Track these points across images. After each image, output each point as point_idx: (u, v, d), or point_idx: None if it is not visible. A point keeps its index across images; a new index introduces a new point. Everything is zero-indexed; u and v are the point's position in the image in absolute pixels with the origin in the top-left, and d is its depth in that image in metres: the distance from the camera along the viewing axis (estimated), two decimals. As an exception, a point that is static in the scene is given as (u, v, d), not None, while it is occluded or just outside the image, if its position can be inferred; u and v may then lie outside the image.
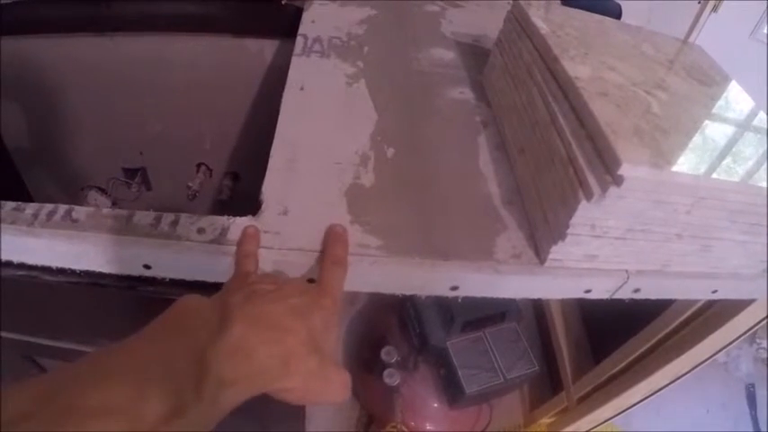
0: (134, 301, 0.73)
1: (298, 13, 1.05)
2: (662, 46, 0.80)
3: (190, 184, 1.46)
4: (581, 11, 0.85)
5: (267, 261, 0.58)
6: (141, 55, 1.28)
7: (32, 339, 0.94)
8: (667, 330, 0.93)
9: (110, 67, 1.31)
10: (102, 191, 1.56)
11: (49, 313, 0.89)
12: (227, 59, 1.25)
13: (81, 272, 0.65)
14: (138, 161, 1.52)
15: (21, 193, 1.59)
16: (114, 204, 1.57)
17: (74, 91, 1.39)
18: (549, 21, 0.74)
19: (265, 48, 1.20)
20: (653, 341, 0.96)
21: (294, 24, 1.01)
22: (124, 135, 1.45)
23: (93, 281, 0.67)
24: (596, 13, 0.86)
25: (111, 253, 0.62)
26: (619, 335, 1.04)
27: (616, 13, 1.07)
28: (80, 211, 0.64)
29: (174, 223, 0.62)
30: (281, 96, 0.80)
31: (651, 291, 0.62)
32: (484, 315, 1.17)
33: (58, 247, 0.62)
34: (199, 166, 1.50)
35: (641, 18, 1.03)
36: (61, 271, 0.66)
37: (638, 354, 1.00)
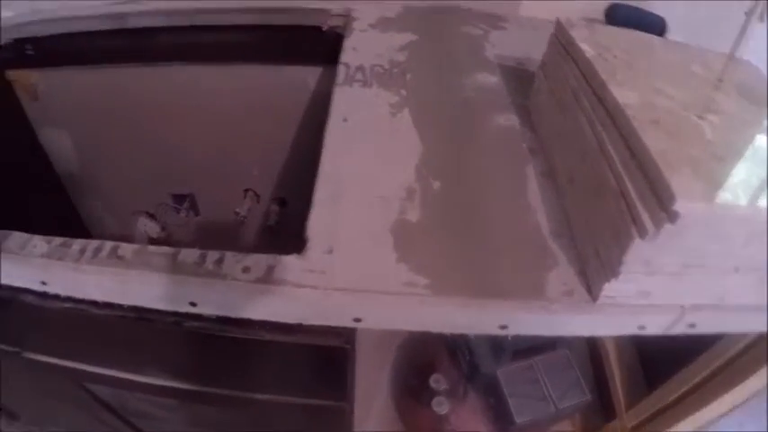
0: (180, 335, 0.73)
1: (339, 39, 1.06)
2: (710, 63, 0.76)
3: (238, 210, 1.48)
4: (626, 30, 0.82)
5: (312, 301, 0.57)
6: (186, 84, 1.31)
7: (83, 367, 0.95)
8: (722, 362, 0.89)
9: (156, 97, 1.35)
10: (152, 216, 1.59)
11: (99, 343, 0.90)
12: (270, 87, 1.27)
13: (128, 306, 0.66)
14: (186, 187, 1.54)
15: (73, 220, 1.64)
16: (163, 230, 1.60)
17: (121, 119, 1.43)
18: (595, 43, 0.71)
19: (308, 75, 1.22)
20: (707, 372, 0.92)
21: (336, 51, 1.02)
22: (172, 162, 1.48)
23: (139, 315, 0.68)
24: (640, 29, 0.83)
25: (157, 290, 0.63)
26: (673, 362, 1.00)
27: (660, 28, 1.04)
28: (126, 249, 0.65)
29: (220, 261, 0.62)
30: (324, 123, 0.81)
31: (707, 325, 0.59)
32: (535, 343, 1.14)
33: (105, 283, 0.64)
34: (246, 191, 1.52)
35: (685, 31, 1.00)
36: (108, 305, 0.67)
37: (692, 384, 0.96)
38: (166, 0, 1.25)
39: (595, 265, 0.57)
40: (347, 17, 1.10)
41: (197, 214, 1.59)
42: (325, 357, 0.70)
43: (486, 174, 0.73)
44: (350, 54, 0.96)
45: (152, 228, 1.60)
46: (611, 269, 0.53)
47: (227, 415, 1.00)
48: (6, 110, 1.43)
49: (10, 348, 0.96)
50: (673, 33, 1.04)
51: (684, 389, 0.98)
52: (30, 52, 1.33)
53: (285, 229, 1.52)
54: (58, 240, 0.68)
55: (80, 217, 1.67)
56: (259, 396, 0.84)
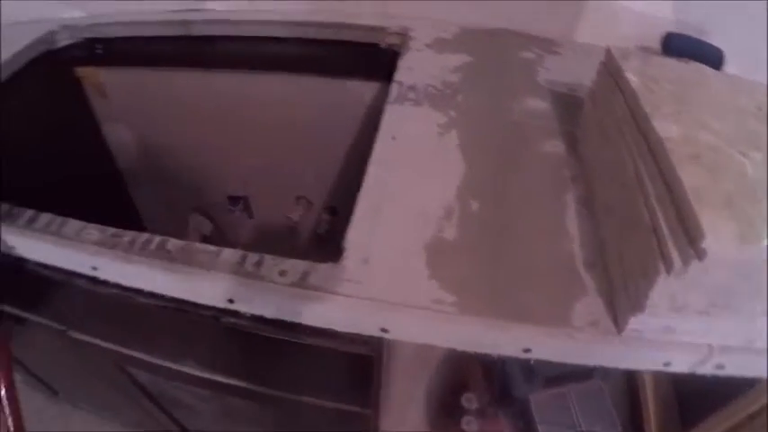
0: (218, 330, 0.76)
1: (396, 57, 1.08)
2: (763, 98, 0.75)
3: (290, 216, 1.52)
4: (679, 61, 0.82)
5: (343, 309, 0.59)
6: (246, 91, 1.37)
7: (124, 350, 1.00)
8: (757, 407, 0.87)
9: (216, 101, 1.41)
10: (206, 214, 1.65)
11: (142, 329, 0.95)
12: (328, 99, 1.31)
13: (170, 298, 0.70)
14: (241, 189, 1.60)
15: (129, 211, 1.72)
16: (216, 229, 1.66)
17: (181, 120, 1.51)
18: (643, 74, 0.71)
19: (365, 90, 1.24)
20: (743, 416, 0.90)
21: (393, 68, 1.05)
22: (230, 164, 1.55)
23: (180, 307, 0.72)
24: (696, 59, 0.82)
25: (198, 285, 0.66)
26: (709, 402, 0.98)
27: (717, 60, 1.02)
28: (173, 243, 0.69)
29: (259, 264, 0.65)
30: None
31: (736, 368, 0.58)
32: (569, 371, 1.13)
33: (151, 274, 0.68)
34: (299, 198, 1.56)
35: (744, 64, 0.98)
36: (153, 295, 0.71)
37: (727, 427, 0.93)
38: (230, 10, 1.30)
39: (623, 298, 0.57)
40: (404, 36, 1.12)
41: (250, 216, 1.64)
42: (352, 364, 0.72)
43: (525, 198, 0.73)
44: (404, 73, 0.99)
45: (205, 225, 1.66)
46: (637, 302, 0.53)
47: (257, 410, 1.03)
48: (75, 104, 1.53)
49: (57, 326, 1.03)
50: (731, 65, 1.02)
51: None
52: (99, 51, 1.43)
53: (334, 238, 1.54)
54: (111, 230, 0.73)
55: (137, 210, 1.76)
56: (288, 395, 0.87)
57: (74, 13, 1.44)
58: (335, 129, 1.36)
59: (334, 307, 0.60)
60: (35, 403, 1.83)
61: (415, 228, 0.68)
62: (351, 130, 1.35)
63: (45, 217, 0.78)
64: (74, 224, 0.76)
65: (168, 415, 1.32)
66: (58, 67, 1.44)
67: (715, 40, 1.04)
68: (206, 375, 0.92)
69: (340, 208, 1.56)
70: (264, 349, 0.78)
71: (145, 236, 0.72)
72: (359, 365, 0.72)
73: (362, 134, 1.34)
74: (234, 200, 1.61)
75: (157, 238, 0.71)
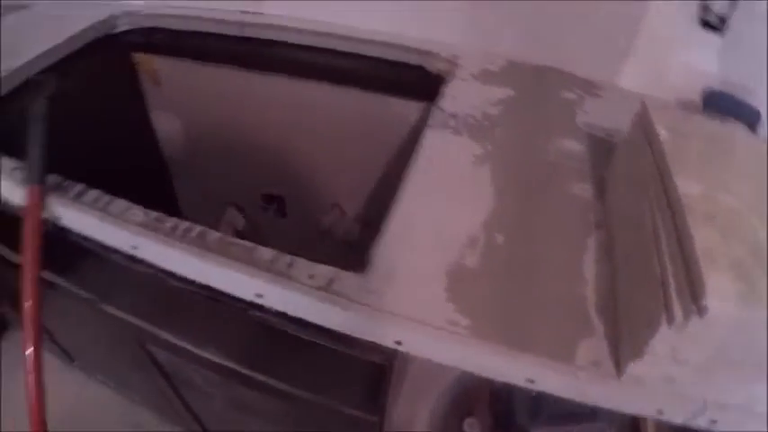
0: (242, 321, 0.80)
1: (440, 81, 1.13)
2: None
3: (322, 221, 1.56)
4: (712, 119, 0.83)
5: (362, 317, 0.63)
6: (293, 96, 1.43)
7: (149, 327, 1.05)
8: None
9: (263, 102, 1.47)
10: (241, 210, 1.71)
11: (170, 310, 1.01)
12: (371, 113, 1.36)
13: (202, 285, 0.75)
14: (278, 189, 1.65)
15: (168, 197, 1.79)
16: (248, 224, 1.71)
17: (228, 115, 1.57)
18: (674, 129, 0.73)
19: (408, 110, 1.29)
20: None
21: (434, 91, 1.09)
22: (269, 163, 1.60)
23: (210, 295, 0.76)
24: (734, 118, 0.84)
25: (231, 276, 0.72)
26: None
27: (754, 120, 1.04)
28: (213, 235, 0.75)
29: (290, 265, 0.70)
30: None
31: (730, 425, 0.60)
32: (574, 411, 1.14)
33: (188, 260, 0.74)
34: (333, 205, 1.60)
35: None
36: (185, 279, 0.77)
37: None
38: (287, 17, 1.36)
39: (626, 344, 0.60)
40: (453, 63, 1.16)
41: (283, 216, 1.69)
42: (365, 370, 0.75)
43: (548, 237, 0.77)
44: (447, 100, 1.03)
45: (239, 220, 1.72)
46: (638, 350, 0.56)
47: (265, 403, 1.07)
48: (128, 88, 1.62)
49: (88, 296, 1.08)
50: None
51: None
52: (157, 40, 1.50)
53: (362, 248, 1.58)
54: (154, 214, 0.79)
55: (175, 196, 1.83)
56: (299, 392, 0.91)
57: (135, 0, 1.51)
58: (375, 143, 1.41)
59: (355, 314, 0.64)
60: (50, 366, 1.90)
61: (439, 251, 0.72)
62: (390, 145, 1.40)
63: (93, 193, 0.85)
64: (120, 203, 0.83)
65: (179, 396, 1.37)
66: (116, 50, 1.52)
67: (756, 100, 1.06)
68: (223, 362, 0.96)
69: (371, 220, 1.60)
70: (283, 345, 0.83)
71: (186, 224, 0.77)
72: (371, 373, 0.75)
73: (401, 152, 1.38)
74: (269, 198, 1.66)
75: (198, 228, 0.76)
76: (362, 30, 1.28)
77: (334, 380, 0.87)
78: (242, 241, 0.74)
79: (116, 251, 0.83)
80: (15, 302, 1.54)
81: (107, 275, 1.03)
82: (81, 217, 0.84)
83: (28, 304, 0.90)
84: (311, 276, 0.68)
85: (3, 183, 0.93)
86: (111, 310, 1.08)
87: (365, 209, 1.56)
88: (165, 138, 1.70)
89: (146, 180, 1.68)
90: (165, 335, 1.03)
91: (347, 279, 0.67)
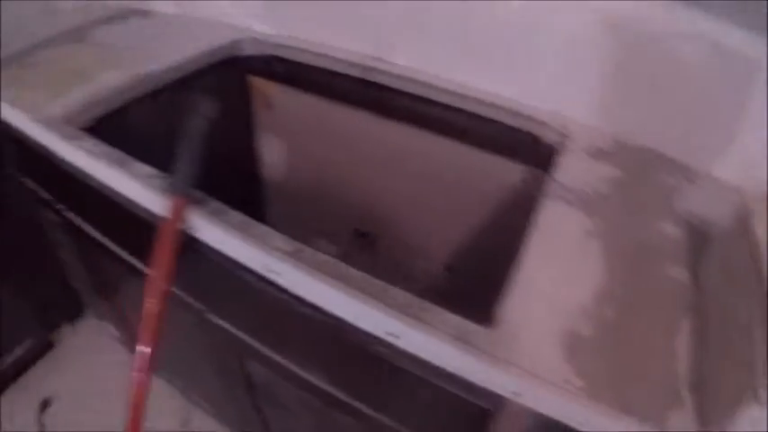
0: (363, 354, 0.88)
1: (551, 151, 1.21)
2: None
3: (408, 264, 1.65)
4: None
5: (486, 364, 0.72)
6: (398, 140, 1.53)
7: (255, 344, 1.13)
8: None
9: (370, 141, 1.58)
10: (331, 242, 1.81)
11: (284, 330, 1.08)
12: (473, 169, 1.45)
13: (330, 313, 0.85)
14: (369, 226, 1.75)
15: (258, 217, 1.90)
16: (336, 257, 1.81)
17: (333, 148, 1.69)
18: None
19: (511, 170, 1.38)
20: None
21: (544, 160, 1.18)
22: (364, 200, 1.70)
23: (336, 324, 0.86)
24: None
25: (365, 312, 0.80)
26: None
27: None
28: (350, 270, 0.87)
29: (423, 309, 0.78)
30: (514, 220, 0.99)
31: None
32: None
33: (323, 290, 0.84)
34: (422, 249, 1.69)
35: None
36: (314, 307, 0.87)
37: None
38: (410, 68, 1.46)
39: (713, 420, 0.66)
40: (563, 135, 1.24)
41: (372, 254, 1.79)
42: (471, 415, 0.82)
43: (648, 314, 0.83)
44: (562, 172, 1.11)
45: (330, 251, 1.82)
46: (724, 424, 0.63)
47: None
48: (241, 109, 1.76)
49: (196, 304, 1.18)
50: None
51: None
52: (276, 68, 1.65)
53: (447, 292, 1.66)
54: (294, 243, 0.90)
55: (265, 219, 1.94)
56: (399, 427, 0.98)
57: (263, 28, 1.68)
58: (472, 196, 1.50)
59: (481, 363, 0.72)
60: (118, 356, 2.05)
61: (555, 316, 0.80)
62: (487, 201, 1.48)
63: (233, 214, 0.97)
64: (260, 226, 0.94)
65: (258, 410, 1.45)
66: (237, 71, 1.67)
67: None
68: (328, 388, 1.04)
69: (457, 268, 1.68)
70: (395, 379, 0.90)
71: (324, 256, 0.88)
72: (475, 417, 0.82)
73: (498, 209, 1.46)
74: (360, 234, 1.75)
75: (334, 261, 0.87)
76: (476, 89, 1.37)
77: (437, 419, 0.94)
78: (377, 280, 0.83)
79: (249, 271, 0.93)
80: (106, 292, 1.68)
81: (222, 288, 1.12)
82: (220, 234, 0.94)
83: (152, 307, 0.98)
84: (443, 322, 0.76)
85: (139, 188, 1.05)
86: (217, 320, 1.17)
87: (453, 257, 1.64)
88: (267, 161, 1.83)
89: (239, 198, 1.79)
90: (271, 353, 1.11)
91: (476, 331, 0.76)
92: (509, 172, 1.38)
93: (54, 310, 2.16)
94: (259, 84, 1.71)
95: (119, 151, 1.14)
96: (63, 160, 1.26)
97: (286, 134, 1.77)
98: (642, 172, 1.17)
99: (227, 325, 1.17)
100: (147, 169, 1.09)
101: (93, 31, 1.89)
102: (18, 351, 2.04)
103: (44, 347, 2.15)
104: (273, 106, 1.73)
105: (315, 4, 1.55)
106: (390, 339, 0.79)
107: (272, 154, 1.88)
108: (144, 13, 2.00)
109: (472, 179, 1.47)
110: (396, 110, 1.52)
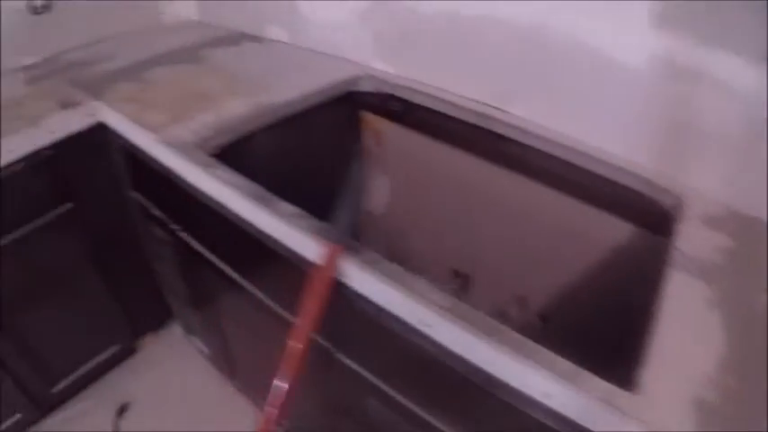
0: (506, 411, 0.92)
1: (668, 216, 1.24)
2: None
3: (504, 309, 1.68)
4: None
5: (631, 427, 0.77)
6: (503, 187, 1.56)
7: (385, 386, 1.16)
8: None
9: (472, 185, 1.62)
10: (429, 279, 1.83)
11: (421, 377, 1.11)
12: (582, 223, 1.47)
13: (480, 368, 0.89)
14: (465, 267, 1.79)
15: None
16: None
17: (436, 188, 1.74)
18: None
19: (628, 234, 1.40)
20: None
21: (660, 224, 1.21)
22: (462, 241, 1.74)
23: (483, 379, 0.90)
24: None
25: (521, 372, 0.85)
26: None
27: None
28: (509, 333, 0.89)
29: (579, 374, 0.83)
30: (624, 282, 1.10)
31: None
32: None
33: (479, 348, 0.89)
34: (519, 297, 1.71)
35: None
36: (464, 361, 0.91)
37: None
38: (527, 119, 1.51)
39: None
40: (679, 202, 1.27)
41: (464, 294, 1.83)
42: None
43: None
44: (682, 240, 1.13)
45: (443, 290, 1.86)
46: None
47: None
48: (352, 141, 1.84)
49: (324, 342, 1.22)
50: None
51: None
52: (390, 106, 1.75)
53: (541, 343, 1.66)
54: (453, 299, 0.94)
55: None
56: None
57: (381, 66, 1.77)
58: (576, 248, 1.51)
59: (624, 424, 0.77)
60: (199, 368, 2.12)
61: (686, 382, 0.83)
62: (590, 255, 1.50)
63: (389, 265, 1.02)
64: (417, 280, 0.99)
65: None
66: (352, 106, 1.76)
67: None
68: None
69: (552, 318, 1.69)
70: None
71: (479, 312, 0.92)
72: None
73: (605, 269, 1.48)
74: (455, 273, 1.80)
75: (490, 319, 0.91)
76: (593, 147, 1.41)
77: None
78: (531, 341, 0.87)
79: (400, 321, 0.98)
80: (206, 311, 1.73)
81: (362, 332, 1.15)
82: (375, 284, 0.99)
83: (295, 348, 1.03)
84: (593, 388, 0.81)
85: (285, 228, 1.11)
86: (345, 360, 1.21)
87: (549, 307, 1.67)
88: (370, 194, 1.88)
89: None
90: (401, 397, 1.14)
91: (621, 395, 0.80)
92: (619, 231, 1.41)
93: (143, 318, 2.27)
94: (371, 119, 1.77)
95: (257, 185, 1.21)
96: (192, 185, 1.33)
97: (392, 170, 1.84)
98: (753, 244, 1.18)
99: (353, 364, 1.21)
100: (290, 208, 1.15)
101: (206, 52, 2.04)
102: (103, 355, 2.13)
103: (127, 353, 2.25)
104: (383, 143, 1.79)
105: (436, 49, 1.63)
106: (544, 400, 0.84)
107: (377, 188, 1.95)
108: (255, 38, 2.09)
109: (578, 233, 1.49)
110: (505, 157, 1.55)
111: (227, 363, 1.96)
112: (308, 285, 1.02)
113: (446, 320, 0.91)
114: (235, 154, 1.43)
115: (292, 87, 1.64)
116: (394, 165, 1.82)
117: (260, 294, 1.37)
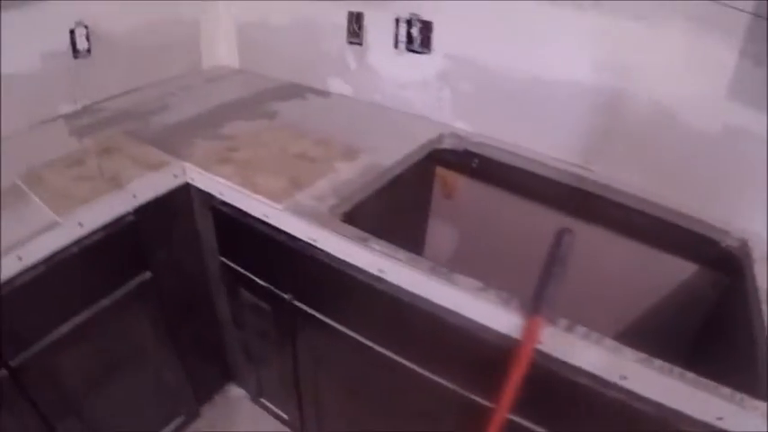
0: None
1: (734, 258, 1.36)
2: None
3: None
4: None
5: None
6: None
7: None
8: None
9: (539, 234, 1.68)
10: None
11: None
12: (653, 270, 1.57)
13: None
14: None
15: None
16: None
17: (499, 237, 1.81)
18: None
19: (692, 275, 1.51)
20: None
21: (728, 266, 1.33)
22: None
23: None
24: None
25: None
26: None
27: None
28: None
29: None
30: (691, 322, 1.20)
31: None
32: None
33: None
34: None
35: None
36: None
37: None
38: (604, 174, 1.59)
39: None
40: (745, 245, 1.36)
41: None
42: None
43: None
44: (759, 279, 1.22)
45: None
46: None
47: None
48: (421, 192, 1.90)
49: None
50: None
51: None
52: (472, 164, 1.82)
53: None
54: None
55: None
56: None
57: (462, 126, 1.86)
58: (641, 289, 1.62)
59: None
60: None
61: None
62: (663, 302, 1.59)
63: (581, 329, 1.05)
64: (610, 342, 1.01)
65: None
66: (431, 161, 1.83)
67: None
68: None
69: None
70: None
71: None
72: None
73: (678, 311, 1.58)
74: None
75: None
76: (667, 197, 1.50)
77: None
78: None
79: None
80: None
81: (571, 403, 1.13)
82: (586, 355, 1.02)
83: (500, 416, 1.08)
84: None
85: (472, 302, 1.13)
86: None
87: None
88: (434, 246, 1.93)
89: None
90: None
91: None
92: (689, 273, 1.51)
93: (205, 384, 2.17)
94: (444, 174, 1.83)
95: (418, 256, 1.22)
96: (329, 255, 1.34)
97: (460, 222, 1.89)
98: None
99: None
100: (472, 281, 1.16)
101: (274, 105, 2.01)
102: (170, 426, 2.02)
103: (191, 421, 2.13)
104: (454, 197, 1.85)
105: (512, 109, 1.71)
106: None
107: (441, 240, 2.01)
108: (315, 91, 2.08)
109: (647, 278, 1.59)
110: (576, 209, 1.63)
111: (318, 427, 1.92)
112: (513, 362, 1.02)
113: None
114: (352, 220, 1.41)
115: (391, 148, 1.67)
116: (461, 218, 1.89)
117: (418, 368, 1.34)
